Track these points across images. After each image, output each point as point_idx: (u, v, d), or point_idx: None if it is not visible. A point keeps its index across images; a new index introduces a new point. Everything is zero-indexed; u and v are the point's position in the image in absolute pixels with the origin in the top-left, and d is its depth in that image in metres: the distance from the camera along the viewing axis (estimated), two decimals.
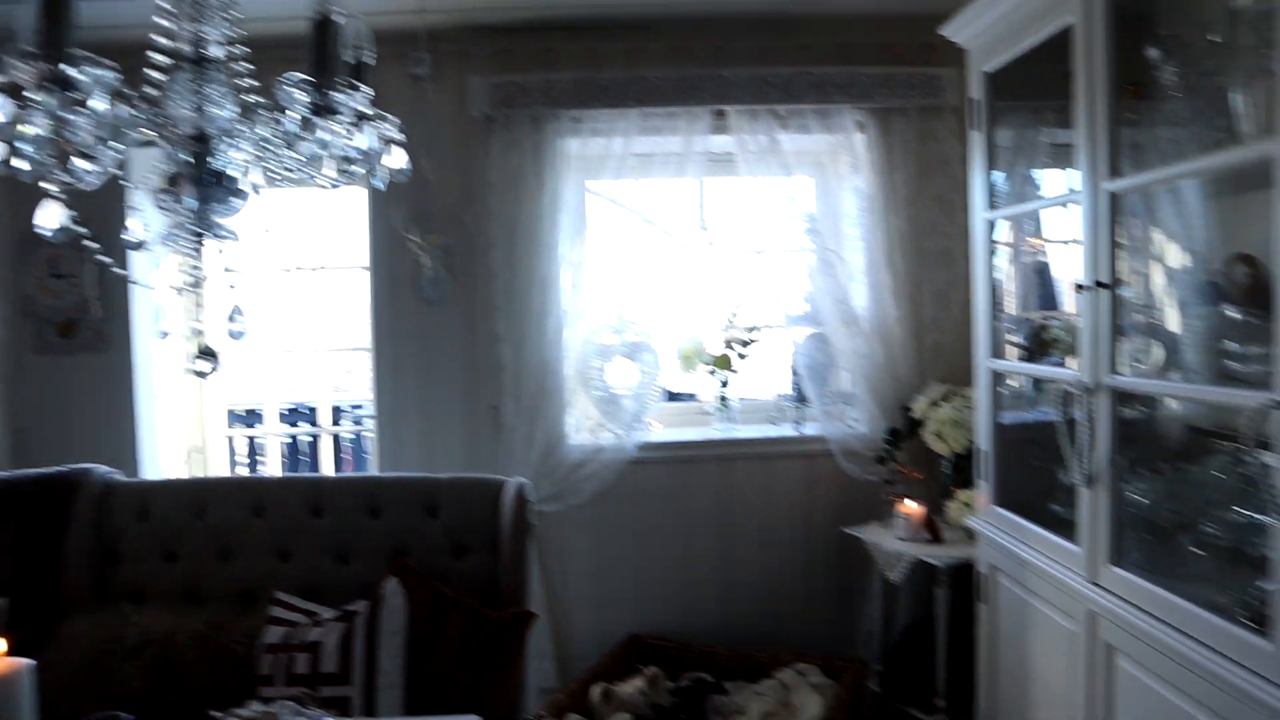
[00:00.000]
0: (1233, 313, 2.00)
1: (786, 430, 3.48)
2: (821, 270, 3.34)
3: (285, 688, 2.19)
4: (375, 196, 3.33)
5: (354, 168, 1.45)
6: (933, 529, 2.98)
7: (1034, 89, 2.56)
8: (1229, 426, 1.95)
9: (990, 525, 2.64)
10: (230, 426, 4.24)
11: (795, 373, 3.53)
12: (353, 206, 3.49)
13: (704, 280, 3.49)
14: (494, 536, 2.52)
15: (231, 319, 1.34)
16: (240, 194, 1.28)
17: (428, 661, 2.30)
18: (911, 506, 3.01)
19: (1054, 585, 2.27)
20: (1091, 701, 2.12)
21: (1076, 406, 2.17)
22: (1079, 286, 2.14)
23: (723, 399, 3.51)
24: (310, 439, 5.14)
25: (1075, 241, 2.78)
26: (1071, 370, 2.21)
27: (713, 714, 2.90)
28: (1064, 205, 2.36)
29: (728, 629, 3.40)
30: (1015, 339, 3.13)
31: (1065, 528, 2.26)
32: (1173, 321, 2.55)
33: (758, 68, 3.26)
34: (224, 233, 1.28)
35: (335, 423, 5.24)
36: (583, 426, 3.40)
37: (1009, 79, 2.61)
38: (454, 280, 3.34)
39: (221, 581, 2.57)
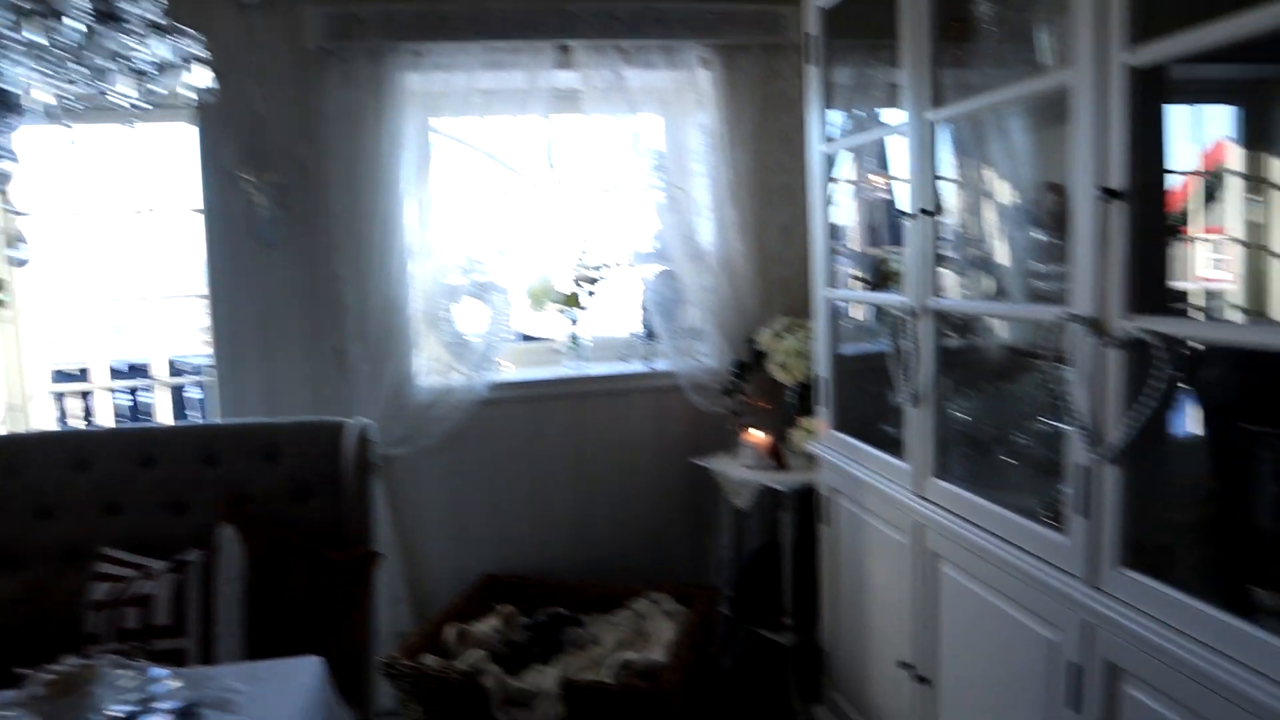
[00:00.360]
0: (1041, 236, 2.13)
1: (637, 366, 3.51)
2: (669, 207, 3.35)
3: (116, 644, 2.10)
4: (205, 134, 3.15)
5: (153, 87, 1.35)
6: (777, 456, 3.08)
7: (869, 28, 2.61)
8: (1042, 346, 2.08)
9: (830, 449, 2.75)
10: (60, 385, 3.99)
11: (645, 309, 3.56)
12: (182, 145, 3.29)
13: (552, 219, 3.46)
14: (336, 479, 2.47)
15: (14, 246, 1.25)
16: (18, 110, 1.17)
17: (270, 608, 2.25)
18: (757, 435, 3.10)
19: (886, 501, 2.39)
20: (919, 607, 2.25)
21: (904, 332, 2.27)
22: (905, 214, 2.23)
23: (573, 337, 3.52)
24: (147, 394, 4.88)
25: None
26: (899, 296, 2.30)
27: (569, 646, 2.94)
28: (894, 136, 2.44)
29: (583, 563, 3.45)
30: (859, 273, 3.24)
31: (896, 447, 2.38)
32: (1002, 254, 2.70)
33: (603, 2, 3.22)
34: (2, 152, 1.18)
35: (177, 376, 4.99)
36: (432, 368, 3.34)
37: (845, 17, 2.67)
38: (292, 220, 3.20)
39: (41, 542, 2.44)
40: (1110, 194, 1.53)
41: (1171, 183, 2.08)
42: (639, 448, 3.48)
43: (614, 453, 3.47)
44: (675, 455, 3.44)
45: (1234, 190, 2.20)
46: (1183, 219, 2.25)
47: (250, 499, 2.45)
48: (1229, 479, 1.68)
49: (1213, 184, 2.25)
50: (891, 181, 3.27)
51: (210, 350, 3.28)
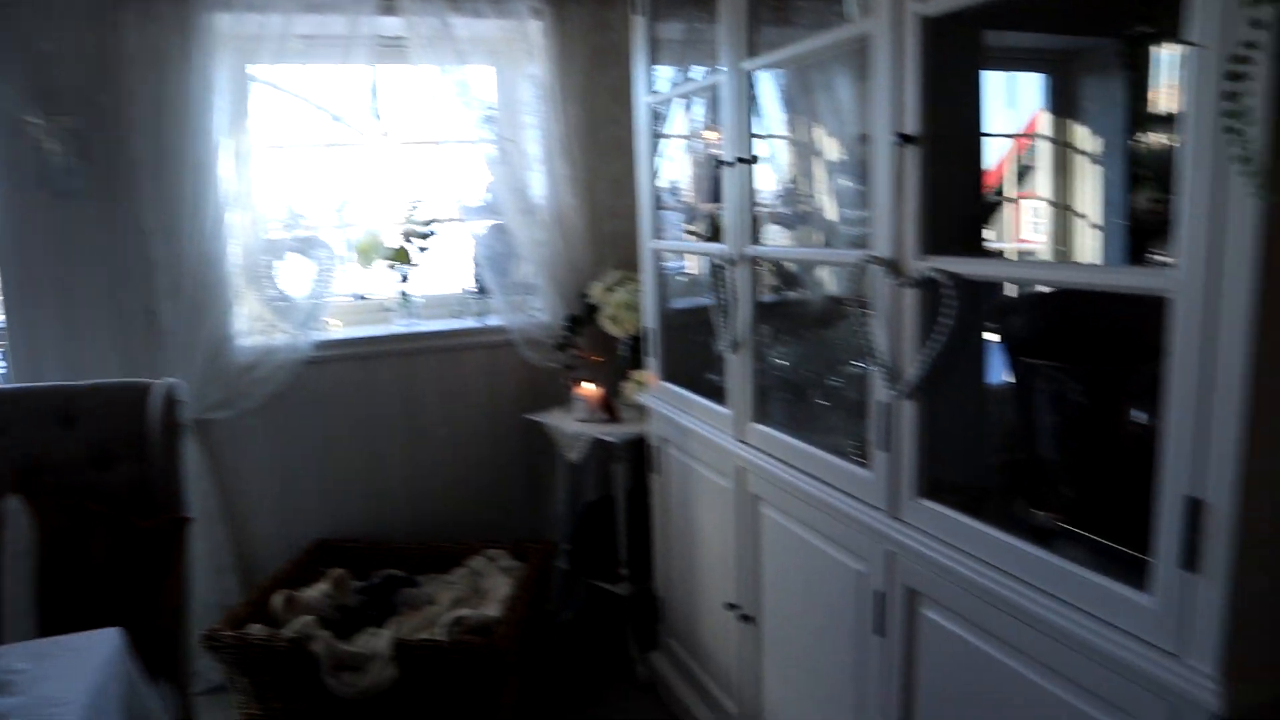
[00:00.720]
0: (855, 185, 2.19)
1: (469, 322, 3.45)
2: (500, 160, 3.29)
3: None
4: None
5: None
6: (610, 409, 3.10)
7: None
8: (857, 292, 2.16)
9: (659, 400, 2.78)
10: None
11: (477, 265, 3.50)
12: None
13: (380, 172, 3.34)
14: (142, 443, 2.32)
15: None
16: None
17: (70, 582, 2.10)
18: (589, 389, 3.11)
19: (710, 448, 2.44)
20: (742, 549, 2.32)
21: (724, 280, 2.31)
22: (723, 163, 2.25)
23: (403, 294, 3.42)
24: None
25: (756, 136, 2.94)
26: (719, 245, 2.33)
27: (403, 607, 2.89)
28: (710, 88, 2.45)
29: (420, 524, 3.38)
30: (692, 228, 3.28)
31: (719, 394, 2.42)
32: (830, 208, 2.78)
33: None
34: None
35: None
36: (254, 328, 3.18)
37: None
38: (91, 169, 2.96)
39: None
40: (905, 139, 1.59)
41: (997, 148, 2.19)
42: (473, 404, 3.43)
43: (447, 410, 3.41)
44: (509, 411, 3.41)
45: (1047, 156, 2.33)
46: (1002, 185, 2.36)
47: (45, 468, 2.27)
48: (1017, 411, 1.79)
49: (1031, 152, 2.37)
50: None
51: (0, 315, 3.02)
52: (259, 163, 3.11)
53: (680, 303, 2.93)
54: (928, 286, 1.58)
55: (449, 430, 3.42)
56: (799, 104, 2.88)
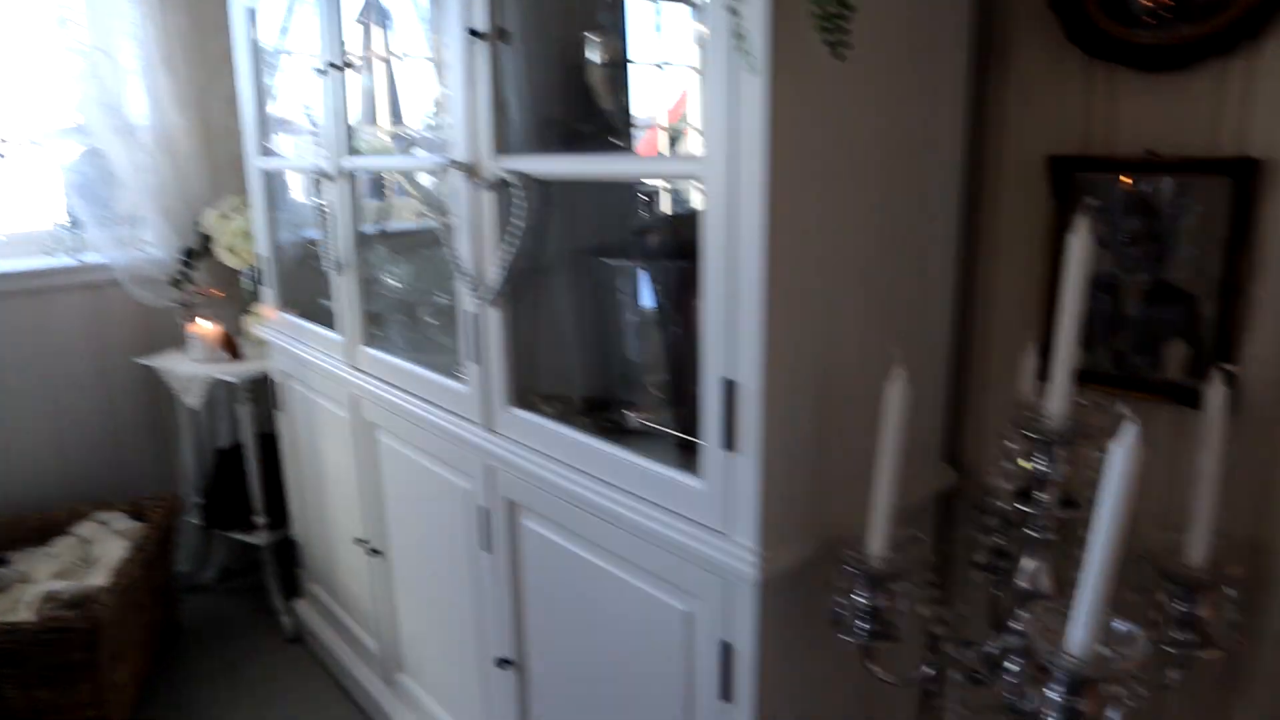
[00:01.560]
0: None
1: (63, 261, 2.99)
2: (89, 74, 2.87)
3: None
4: None
5: None
6: (231, 346, 2.84)
7: None
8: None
9: (278, 332, 2.58)
10: None
11: (69, 195, 3.04)
12: None
13: None
14: None
15: None
16: None
17: None
18: (204, 327, 2.83)
19: (327, 377, 2.30)
20: (363, 480, 2.22)
21: (323, 197, 2.16)
22: (318, 70, 2.08)
23: None
24: None
25: (427, 58, 2.75)
26: (315, 161, 2.16)
27: None
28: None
29: (14, 495, 2.91)
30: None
31: (333, 320, 2.27)
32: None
33: None
34: None
35: None
36: None
37: None
38: None
39: None
40: (474, 35, 1.51)
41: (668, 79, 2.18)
42: (76, 354, 2.98)
43: (43, 362, 2.94)
44: (122, 358, 3.02)
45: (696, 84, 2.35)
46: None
47: None
48: (615, 318, 1.80)
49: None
50: (394, 59, 3.09)
51: None
52: None
53: (311, 233, 2.72)
54: (502, 188, 1.52)
55: (46, 385, 2.97)
56: (442, 23, 2.73)
